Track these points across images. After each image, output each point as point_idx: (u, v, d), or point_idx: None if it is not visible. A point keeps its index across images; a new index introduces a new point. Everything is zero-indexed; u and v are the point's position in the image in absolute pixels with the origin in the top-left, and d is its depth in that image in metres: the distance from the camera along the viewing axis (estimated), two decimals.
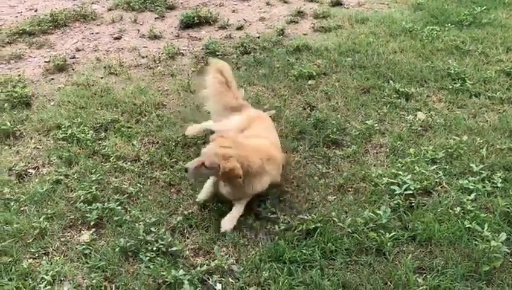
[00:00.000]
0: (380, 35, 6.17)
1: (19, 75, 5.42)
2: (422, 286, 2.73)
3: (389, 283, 2.78)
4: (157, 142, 4.25)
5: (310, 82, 5.16)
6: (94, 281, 2.85)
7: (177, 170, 3.85)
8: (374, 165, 3.84)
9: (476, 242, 2.97)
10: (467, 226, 3.09)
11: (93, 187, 3.58)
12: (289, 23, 6.83)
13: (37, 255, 3.08)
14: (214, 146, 3.27)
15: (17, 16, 7.30)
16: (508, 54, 5.54)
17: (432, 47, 5.77)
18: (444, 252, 2.96)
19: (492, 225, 3.10)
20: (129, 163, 3.94)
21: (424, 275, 2.83)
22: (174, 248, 3.04)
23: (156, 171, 3.86)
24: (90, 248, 3.10)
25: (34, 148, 4.20)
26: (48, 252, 3.10)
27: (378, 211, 3.22)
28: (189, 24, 6.75)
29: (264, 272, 2.86)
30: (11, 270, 2.93)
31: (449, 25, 6.33)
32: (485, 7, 6.76)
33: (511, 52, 5.59)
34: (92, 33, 6.69)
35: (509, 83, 4.94)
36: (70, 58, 5.91)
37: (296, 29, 6.69)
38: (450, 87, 4.88)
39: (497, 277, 2.80)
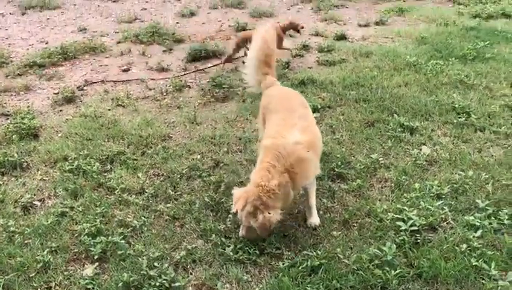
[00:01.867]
0: (384, 69, 6.24)
1: (28, 107, 5.51)
2: None
3: None
4: (162, 175, 4.27)
5: (315, 115, 5.14)
6: None
7: (181, 203, 3.85)
8: (379, 200, 3.83)
9: (483, 281, 2.93)
10: (473, 264, 3.05)
11: (98, 220, 3.59)
12: (294, 57, 6.94)
13: (39, 289, 3.06)
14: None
15: (28, 48, 7.49)
16: None
17: (436, 81, 5.82)
18: None
19: (500, 263, 3.06)
20: (134, 196, 3.95)
21: None
22: (177, 284, 3.01)
23: (161, 204, 3.86)
24: (93, 282, 3.08)
25: (40, 179, 4.24)
26: (51, 287, 3.08)
27: (383, 248, 3.19)
28: (196, 57, 6.88)
29: None
30: None
31: (453, 59, 6.40)
32: (488, 42, 6.85)
33: None
34: (101, 65, 6.83)
35: None
36: (78, 89, 6.02)
37: (301, 62, 6.79)
38: (455, 121, 4.90)
39: None
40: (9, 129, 4.91)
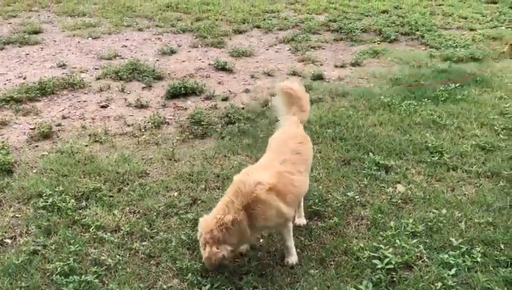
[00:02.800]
0: (359, 109, 6.40)
1: (3, 142, 5.42)
2: None
3: None
4: (139, 212, 4.22)
5: None
6: None
7: (157, 241, 3.80)
8: (356, 238, 3.86)
9: None
10: None
11: (71, 258, 3.51)
12: (273, 96, 7.05)
13: None
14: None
15: (5, 83, 7.43)
16: (482, 129, 5.77)
17: (409, 121, 5.99)
18: None
19: None
20: (109, 233, 3.88)
21: None
22: None
23: (136, 242, 3.81)
24: None
25: (12, 217, 4.14)
26: None
27: (360, 286, 3.20)
28: (175, 94, 6.93)
29: None
30: None
31: (426, 99, 6.61)
32: (458, 84, 7.11)
33: (484, 127, 5.82)
34: (79, 101, 6.81)
35: (484, 157, 5.10)
36: (55, 125, 5.98)
37: None
38: (428, 160, 5.02)
39: None
40: None
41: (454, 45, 9.41)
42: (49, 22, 11.29)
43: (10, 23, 11.08)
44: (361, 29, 10.57)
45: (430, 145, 5.29)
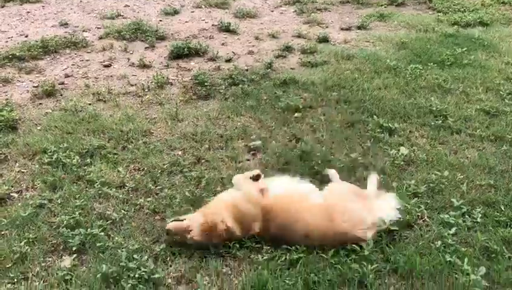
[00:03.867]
0: (365, 72, 6.34)
1: (7, 99, 5.43)
2: None
3: None
4: (143, 170, 4.26)
5: (296, 115, 5.25)
6: None
7: (162, 197, 3.85)
8: None
9: (456, 276, 3.01)
10: (447, 259, 3.14)
11: (77, 213, 3.57)
12: (277, 58, 6.98)
13: (15, 280, 3.03)
14: None
15: (7, 41, 7.36)
16: (487, 94, 5.73)
17: (415, 84, 5.94)
18: (425, 285, 3.00)
19: (472, 259, 3.16)
20: (114, 189, 3.93)
21: None
22: (156, 276, 3.03)
23: (141, 198, 3.86)
24: (71, 273, 3.07)
25: (18, 172, 4.19)
26: (28, 277, 3.06)
27: (361, 243, 3.25)
28: (179, 55, 6.86)
29: None
30: None
31: (432, 64, 6.53)
32: (465, 48, 7.01)
33: (490, 92, 5.78)
34: (82, 60, 6.76)
35: (488, 121, 5.09)
36: (59, 83, 5.95)
37: (284, 63, 6.84)
38: (432, 123, 5.01)
39: None
40: None
41: (463, 9, 9.22)
42: None
43: None
44: None
45: (434, 108, 5.27)
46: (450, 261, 3.13)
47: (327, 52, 7.09)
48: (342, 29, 8.36)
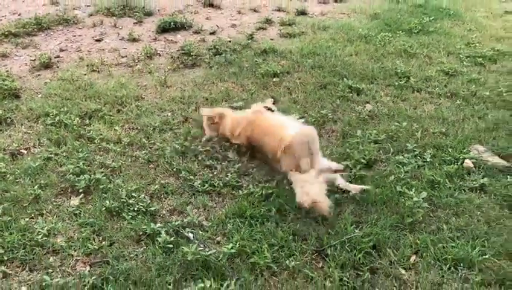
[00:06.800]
0: (338, 41, 6.86)
1: (7, 71, 5.87)
2: (357, 233, 3.32)
3: (331, 231, 3.37)
4: (137, 128, 4.77)
5: (274, 79, 5.78)
6: (84, 234, 3.36)
7: (154, 149, 4.38)
8: (327, 146, 4.45)
9: (403, 201, 3.60)
10: (398, 190, 3.72)
11: (81, 163, 4.08)
12: (258, 30, 7.48)
13: (32, 215, 3.55)
14: None
15: (1, 19, 7.75)
16: (449, 57, 6.30)
17: (383, 51, 6.48)
18: (378, 210, 3.58)
19: (419, 189, 3.74)
20: (112, 144, 4.44)
21: (360, 226, 3.43)
22: (152, 208, 3.57)
23: (136, 151, 4.38)
24: (80, 209, 3.60)
25: (25, 132, 4.67)
26: (43, 214, 3.58)
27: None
28: (165, 29, 7.32)
29: (228, 225, 3.42)
30: (10, 227, 3.40)
31: (400, 32, 7.08)
32: (432, 17, 7.56)
33: (451, 55, 6.35)
34: (75, 35, 7.19)
35: (446, 80, 5.67)
36: (54, 57, 6.40)
37: (264, 35, 7.34)
38: (396, 84, 5.58)
39: (418, 227, 3.42)
40: None
41: None
42: None
43: None
44: None
45: (399, 71, 5.82)
46: (400, 191, 3.71)
47: (305, 24, 7.59)
48: (319, 2, 8.86)
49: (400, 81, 5.63)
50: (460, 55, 6.29)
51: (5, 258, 3.16)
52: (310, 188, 3.54)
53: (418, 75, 5.78)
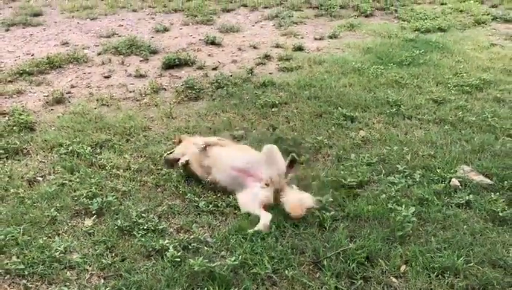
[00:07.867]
0: (333, 73, 7.27)
1: (22, 106, 6.26)
2: (351, 246, 3.59)
3: (326, 245, 3.63)
4: (145, 156, 5.09)
5: (273, 109, 6.15)
6: (98, 251, 3.63)
7: (162, 175, 4.69)
8: (323, 169, 4.76)
9: (393, 216, 3.87)
10: (389, 206, 4.00)
11: (93, 187, 4.39)
12: (257, 65, 7.91)
13: (50, 235, 3.83)
14: None
15: (15, 60, 8.21)
16: (438, 87, 6.68)
17: (375, 82, 6.88)
18: (371, 225, 3.85)
19: (408, 205, 4.01)
20: (122, 171, 4.75)
21: (354, 239, 3.70)
22: (160, 227, 3.86)
23: (144, 176, 4.69)
24: (93, 229, 3.89)
25: (40, 161, 5.00)
26: (59, 233, 3.86)
27: (321, 198, 4.10)
28: (170, 65, 7.77)
29: (231, 241, 3.69)
30: (30, 245, 3.68)
31: (392, 64, 7.49)
32: (423, 50, 8.00)
33: (440, 85, 6.73)
34: (85, 73, 7.63)
35: (435, 108, 6.02)
36: (66, 93, 6.80)
37: (263, 69, 7.77)
38: (388, 112, 5.93)
39: (407, 239, 3.69)
40: (8, 124, 5.65)
41: (424, 17, 10.29)
42: (48, 5, 12.03)
43: (11, 6, 11.81)
44: (340, 6, 11.42)
45: (390, 100, 6.19)
46: (391, 207, 3.99)
47: (301, 59, 8.03)
48: (315, 39, 9.34)
49: (392, 109, 5.98)
50: (449, 85, 6.67)
51: (26, 273, 3.43)
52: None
53: (409, 103, 6.14)
